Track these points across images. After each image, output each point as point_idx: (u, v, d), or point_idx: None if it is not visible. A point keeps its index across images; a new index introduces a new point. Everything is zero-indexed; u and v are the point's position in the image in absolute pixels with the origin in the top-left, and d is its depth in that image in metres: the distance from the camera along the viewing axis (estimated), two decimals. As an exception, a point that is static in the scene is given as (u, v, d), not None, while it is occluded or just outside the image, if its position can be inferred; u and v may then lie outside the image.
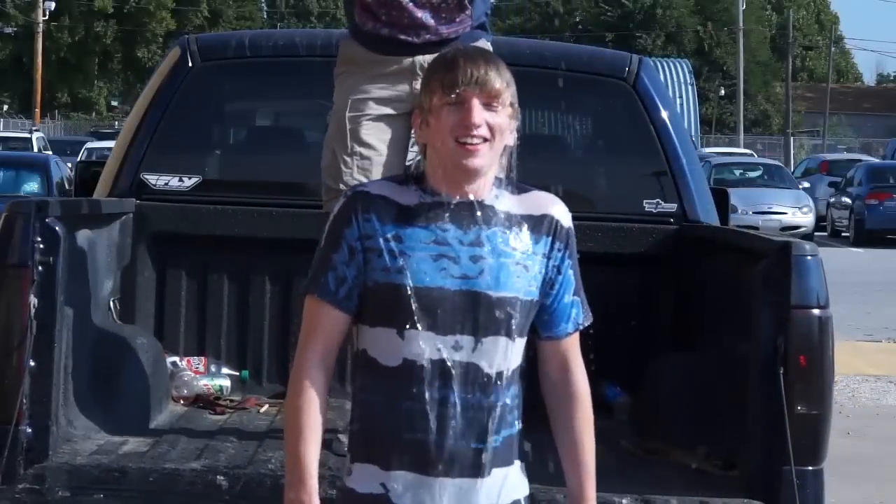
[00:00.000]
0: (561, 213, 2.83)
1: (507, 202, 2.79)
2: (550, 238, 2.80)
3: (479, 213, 2.75)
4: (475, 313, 2.71)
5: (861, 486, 7.62)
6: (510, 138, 2.78)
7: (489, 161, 2.74)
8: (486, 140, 2.71)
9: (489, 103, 2.71)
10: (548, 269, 2.80)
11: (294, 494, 2.72)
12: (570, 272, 2.83)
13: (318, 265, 2.77)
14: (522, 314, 2.75)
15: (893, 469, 8.24)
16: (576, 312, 2.85)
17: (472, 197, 2.75)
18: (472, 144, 2.70)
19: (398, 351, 2.71)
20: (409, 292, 2.70)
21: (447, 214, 2.74)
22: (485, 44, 4.38)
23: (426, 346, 2.70)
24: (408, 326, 2.70)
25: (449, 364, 2.70)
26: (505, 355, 2.74)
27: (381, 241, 2.72)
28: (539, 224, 2.80)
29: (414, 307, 2.69)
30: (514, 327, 2.74)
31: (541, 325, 2.83)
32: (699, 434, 4.45)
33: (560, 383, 2.84)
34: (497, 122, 2.72)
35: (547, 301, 2.81)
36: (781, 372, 3.89)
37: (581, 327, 2.87)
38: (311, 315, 2.77)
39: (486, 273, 2.72)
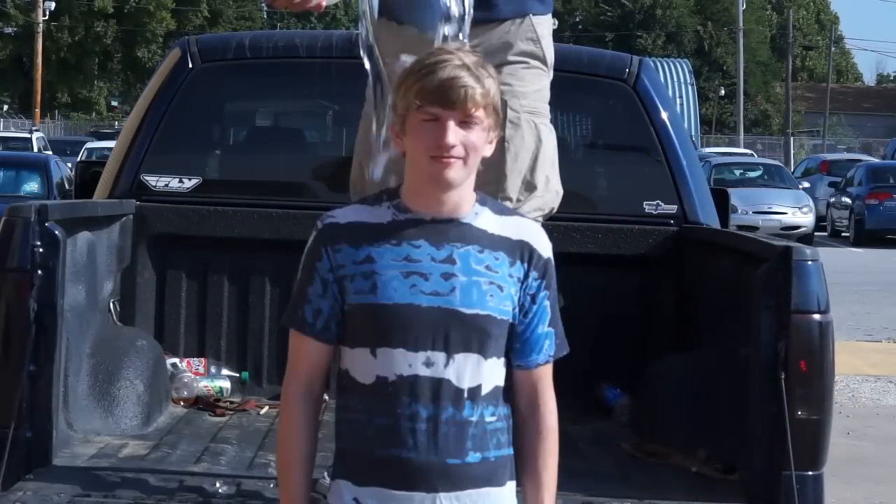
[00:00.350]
0: (540, 242, 2.80)
1: (486, 221, 2.76)
2: (526, 265, 2.77)
3: (453, 231, 2.73)
4: (447, 330, 2.69)
5: (861, 486, 7.63)
6: (489, 149, 2.75)
7: (464, 175, 2.71)
8: (460, 158, 2.68)
9: (466, 120, 2.67)
10: (522, 294, 2.77)
11: None
12: (546, 303, 2.80)
13: (296, 298, 2.79)
14: (496, 333, 2.73)
15: (893, 469, 8.24)
16: (548, 344, 2.81)
17: (447, 214, 2.74)
18: (445, 158, 2.67)
19: (372, 368, 2.71)
20: (379, 310, 2.70)
21: (421, 231, 2.73)
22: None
23: (397, 362, 2.69)
24: (379, 344, 2.70)
25: (419, 380, 2.69)
26: (477, 372, 2.72)
27: (352, 267, 2.72)
28: (515, 249, 2.77)
29: (384, 324, 2.70)
30: (487, 345, 2.72)
31: (512, 352, 2.79)
32: (699, 437, 4.45)
33: (528, 416, 2.81)
34: (472, 140, 2.68)
35: (520, 329, 2.78)
36: (782, 377, 3.89)
37: (551, 360, 2.83)
38: (293, 348, 2.80)
39: (457, 290, 2.70)
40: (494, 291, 2.73)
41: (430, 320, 2.69)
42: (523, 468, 2.81)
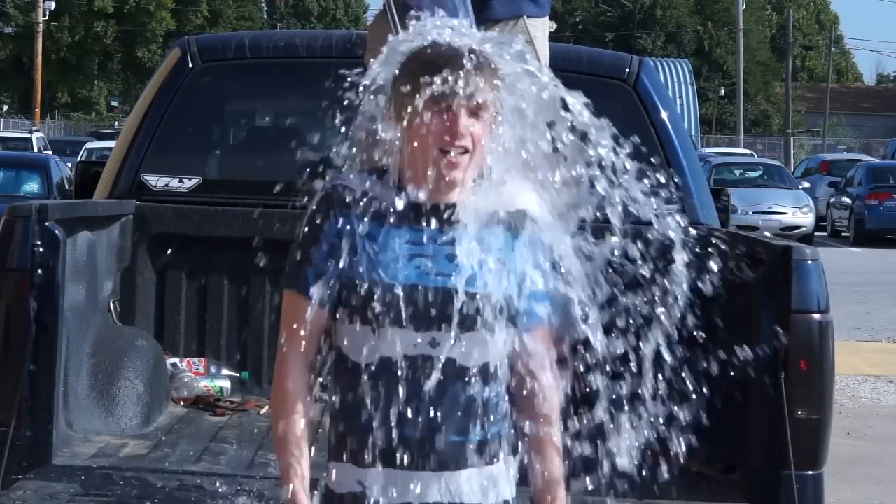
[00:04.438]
0: (532, 205, 2.82)
1: (483, 199, 2.78)
2: (522, 232, 2.79)
3: (455, 213, 2.74)
4: (452, 310, 2.70)
5: (861, 486, 7.63)
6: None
7: (469, 171, 2.73)
8: (467, 151, 2.69)
9: (475, 112, 2.69)
10: (521, 262, 2.79)
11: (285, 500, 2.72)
12: (542, 266, 2.82)
13: (297, 260, 2.75)
14: (503, 310, 2.74)
15: (893, 469, 8.25)
16: (546, 307, 2.84)
17: (449, 199, 2.74)
18: (454, 157, 2.68)
19: (373, 348, 2.70)
20: (384, 289, 2.69)
21: (423, 214, 2.73)
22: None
23: (401, 342, 2.69)
24: (383, 323, 2.69)
25: (425, 360, 2.69)
26: (484, 350, 2.73)
27: (357, 237, 2.71)
28: (511, 219, 2.79)
29: (389, 304, 2.68)
30: (492, 323, 2.73)
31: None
32: (700, 438, 4.45)
33: (527, 379, 2.82)
34: (479, 131, 2.70)
35: (520, 294, 2.79)
36: (782, 377, 3.89)
37: (550, 320, 2.85)
38: (291, 311, 2.75)
39: (461, 271, 2.71)
40: (499, 269, 2.74)
41: (436, 301, 2.69)
42: (529, 436, 2.81)
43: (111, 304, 5.12)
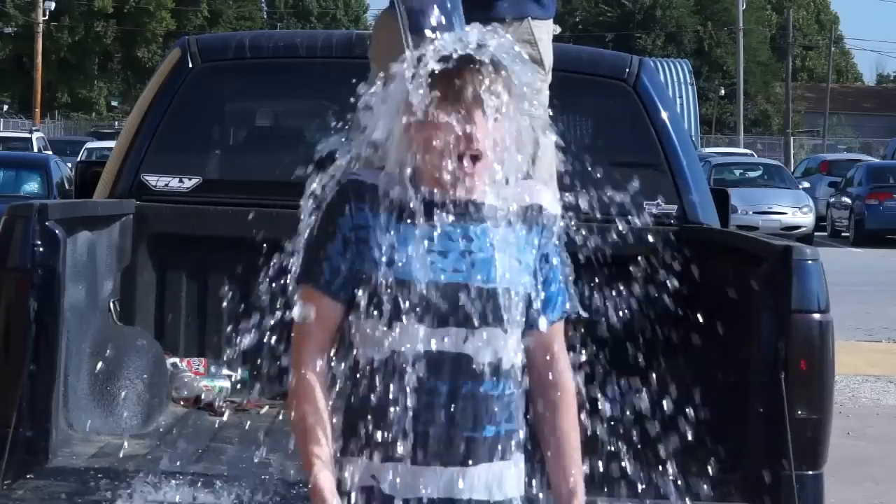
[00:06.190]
0: (548, 201, 2.82)
1: (498, 195, 2.77)
2: (538, 228, 2.80)
3: (469, 210, 2.74)
4: (467, 306, 2.70)
5: (861, 486, 7.64)
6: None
7: (486, 169, 2.72)
8: (482, 152, 2.68)
9: (489, 114, 2.68)
10: (538, 258, 2.79)
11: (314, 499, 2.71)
12: (557, 261, 2.83)
13: (313, 255, 2.75)
14: (517, 306, 2.74)
15: (893, 469, 8.25)
16: (561, 301, 2.84)
17: (464, 197, 2.74)
18: (468, 159, 2.68)
19: (388, 343, 2.70)
20: (399, 285, 2.68)
21: (438, 211, 2.73)
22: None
23: (415, 338, 2.68)
24: (397, 319, 2.69)
25: (439, 355, 2.69)
26: (498, 347, 2.73)
27: (373, 232, 2.71)
28: (528, 215, 2.79)
29: (403, 300, 2.68)
30: (507, 319, 2.73)
31: (528, 314, 2.80)
32: (700, 437, 4.45)
33: (545, 376, 2.83)
34: (497, 134, 2.70)
35: (536, 291, 2.80)
36: (782, 377, 3.89)
37: (565, 315, 2.86)
38: (307, 306, 2.75)
39: (476, 267, 2.71)
40: (513, 265, 2.74)
41: (450, 297, 2.69)
42: (547, 432, 2.82)
43: (111, 304, 5.12)
